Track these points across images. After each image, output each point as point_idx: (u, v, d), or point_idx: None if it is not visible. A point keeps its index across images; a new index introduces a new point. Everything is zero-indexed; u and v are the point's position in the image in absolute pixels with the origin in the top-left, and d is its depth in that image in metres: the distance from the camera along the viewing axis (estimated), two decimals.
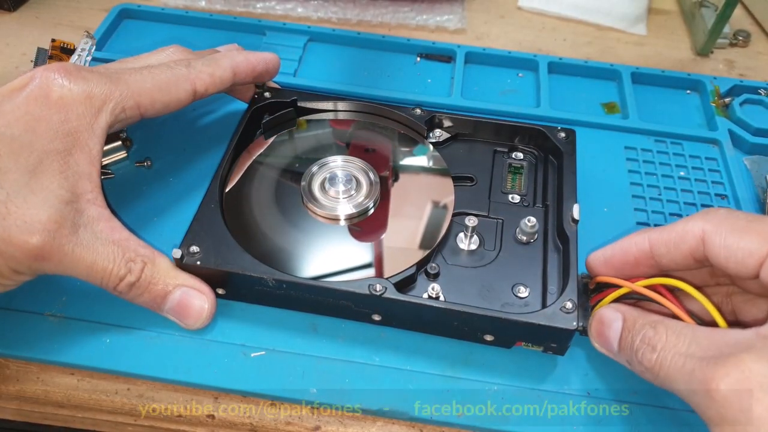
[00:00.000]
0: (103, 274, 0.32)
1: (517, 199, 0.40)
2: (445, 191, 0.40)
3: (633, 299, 0.33)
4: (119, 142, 0.43)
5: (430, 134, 0.43)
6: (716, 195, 0.44)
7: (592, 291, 0.35)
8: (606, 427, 0.33)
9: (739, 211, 0.31)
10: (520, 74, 0.53)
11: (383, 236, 0.38)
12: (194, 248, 0.34)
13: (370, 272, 0.36)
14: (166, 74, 0.36)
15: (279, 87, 0.45)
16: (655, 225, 0.42)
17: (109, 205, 0.34)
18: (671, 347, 0.27)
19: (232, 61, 0.39)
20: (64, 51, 0.48)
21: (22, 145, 0.31)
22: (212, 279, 0.35)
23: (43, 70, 0.33)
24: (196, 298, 0.34)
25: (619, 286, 0.33)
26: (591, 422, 0.33)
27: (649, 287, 0.32)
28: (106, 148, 0.42)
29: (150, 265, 0.33)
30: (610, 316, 0.31)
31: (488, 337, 0.34)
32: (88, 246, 0.31)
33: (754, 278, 0.29)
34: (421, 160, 0.42)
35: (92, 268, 0.31)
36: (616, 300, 0.33)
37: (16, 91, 0.32)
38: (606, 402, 0.34)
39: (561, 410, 0.33)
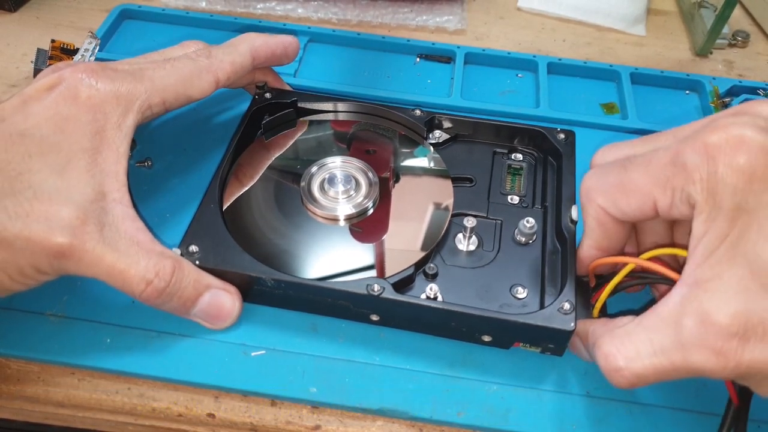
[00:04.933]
0: (125, 276, 0.30)
1: (516, 200, 0.40)
2: (444, 192, 0.40)
3: (632, 285, 0.33)
4: None
5: (430, 135, 0.43)
6: None
7: (593, 289, 0.35)
8: (606, 427, 0.33)
9: (608, 162, 0.32)
10: (519, 75, 0.54)
11: (382, 236, 0.38)
12: (193, 248, 0.34)
13: (369, 272, 0.36)
14: (189, 67, 0.36)
15: (290, 88, 0.45)
16: None
17: (135, 206, 0.33)
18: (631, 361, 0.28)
19: (251, 44, 0.40)
20: (64, 51, 0.48)
21: (51, 145, 0.31)
22: None
23: (71, 71, 0.33)
24: (225, 299, 0.34)
25: (611, 279, 0.33)
26: (590, 422, 0.33)
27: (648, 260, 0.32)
28: None
29: (179, 269, 0.32)
30: (572, 341, 0.34)
31: (486, 338, 0.35)
32: (111, 245, 0.30)
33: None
34: (420, 161, 0.42)
35: (114, 267, 0.30)
36: (614, 291, 0.33)
37: (45, 92, 0.32)
38: (605, 402, 0.34)
39: (560, 410, 0.34)
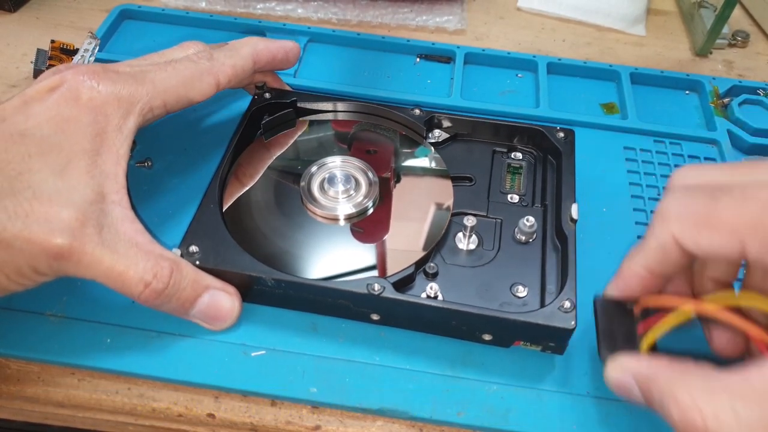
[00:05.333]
0: (124, 278, 0.30)
1: (515, 199, 0.40)
2: (444, 191, 0.40)
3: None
4: None
5: (429, 135, 0.43)
6: None
7: (638, 318, 0.31)
8: (605, 426, 0.33)
9: (691, 185, 0.28)
10: (519, 75, 0.54)
11: (382, 236, 0.38)
12: (193, 248, 0.34)
13: (369, 272, 0.36)
14: (190, 69, 0.36)
15: (290, 88, 0.45)
16: None
17: (134, 207, 0.33)
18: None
19: (252, 48, 0.40)
20: (64, 52, 0.48)
21: (51, 145, 0.31)
22: None
23: (74, 73, 0.33)
24: (224, 300, 0.34)
25: (665, 312, 0.29)
26: (590, 422, 0.33)
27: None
28: None
29: (177, 270, 0.32)
30: (623, 383, 0.29)
31: (486, 337, 0.35)
32: (110, 247, 0.30)
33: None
34: (420, 161, 0.42)
35: (113, 269, 0.30)
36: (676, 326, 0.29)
37: (46, 93, 0.32)
38: (605, 401, 0.34)
39: (560, 410, 0.33)
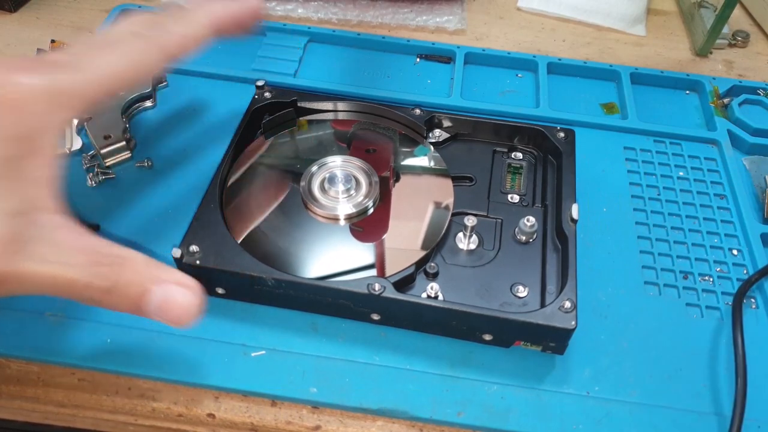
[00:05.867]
0: (70, 286, 0.28)
1: (516, 198, 0.40)
2: (444, 191, 0.40)
3: None
4: (123, 143, 0.43)
5: (430, 134, 0.43)
6: (715, 195, 0.44)
7: None
8: (605, 427, 0.33)
9: None
10: (519, 75, 0.54)
11: (383, 236, 0.38)
12: (194, 248, 0.34)
13: (370, 271, 0.36)
14: (133, 46, 0.32)
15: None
16: (654, 225, 0.42)
17: (80, 214, 0.31)
18: None
19: (209, 16, 0.35)
20: None
21: None
22: (212, 278, 0.35)
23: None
24: (178, 294, 0.30)
25: None
26: (590, 422, 0.33)
27: None
28: (110, 148, 0.42)
29: (120, 266, 0.29)
30: None
31: (487, 337, 0.35)
32: (47, 259, 0.27)
33: None
34: (420, 160, 0.42)
35: (56, 281, 0.27)
36: None
37: None
38: (605, 401, 0.34)
39: (560, 410, 0.33)
